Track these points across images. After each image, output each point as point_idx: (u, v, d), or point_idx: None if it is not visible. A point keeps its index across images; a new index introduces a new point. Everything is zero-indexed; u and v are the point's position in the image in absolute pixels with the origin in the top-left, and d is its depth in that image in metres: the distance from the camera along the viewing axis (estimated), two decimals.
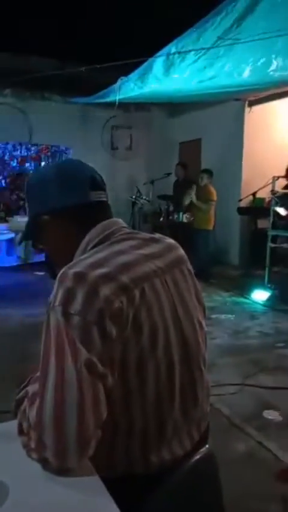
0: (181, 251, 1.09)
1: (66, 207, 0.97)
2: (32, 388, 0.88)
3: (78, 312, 0.78)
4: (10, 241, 6.28)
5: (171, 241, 1.08)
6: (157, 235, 1.07)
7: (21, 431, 0.87)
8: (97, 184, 1.01)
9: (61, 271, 0.84)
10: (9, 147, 7.71)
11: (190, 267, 1.09)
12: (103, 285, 0.81)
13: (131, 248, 0.93)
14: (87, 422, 0.77)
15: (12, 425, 0.91)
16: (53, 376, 0.78)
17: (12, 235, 6.26)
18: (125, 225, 1.03)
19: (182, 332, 0.96)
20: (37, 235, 1.06)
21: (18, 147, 7.75)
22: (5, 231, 6.15)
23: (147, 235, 1.04)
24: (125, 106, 7.48)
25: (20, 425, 0.88)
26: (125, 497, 0.78)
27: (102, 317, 0.79)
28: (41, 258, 6.49)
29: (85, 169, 1.02)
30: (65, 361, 0.77)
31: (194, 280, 1.08)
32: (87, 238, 0.96)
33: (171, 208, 6.48)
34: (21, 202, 7.05)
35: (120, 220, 1.02)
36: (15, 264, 6.47)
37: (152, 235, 1.05)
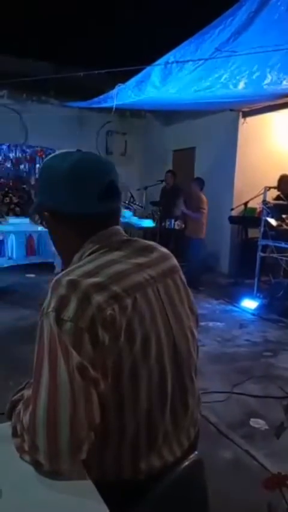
0: (174, 261, 1.10)
1: (68, 213, 0.96)
2: (28, 392, 0.89)
3: (70, 318, 0.80)
4: (1, 242, 6.24)
5: (165, 250, 1.10)
6: (152, 244, 1.08)
7: (15, 434, 0.88)
8: (110, 191, 0.96)
9: (55, 279, 0.86)
10: (4, 148, 7.70)
11: (183, 276, 1.11)
12: (95, 294, 0.83)
13: (124, 257, 0.95)
14: (80, 426, 0.79)
15: (6, 427, 0.92)
16: (46, 380, 0.80)
17: (3, 236, 6.23)
18: (123, 233, 1.03)
19: (173, 341, 0.98)
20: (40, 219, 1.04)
21: (13, 149, 7.75)
22: None
23: (142, 244, 1.05)
24: (121, 112, 7.54)
25: (14, 427, 0.89)
26: (114, 502, 0.79)
27: (94, 324, 0.81)
28: (32, 260, 6.50)
29: (101, 174, 0.96)
30: (58, 366, 0.79)
31: (186, 290, 1.10)
32: (85, 245, 0.96)
33: (160, 214, 6.54)
34: (12, 206, 7.01)
35: (119, 228, 1.02)
36: (6, 265, 6.43)
37: (147, 244, 1.06)
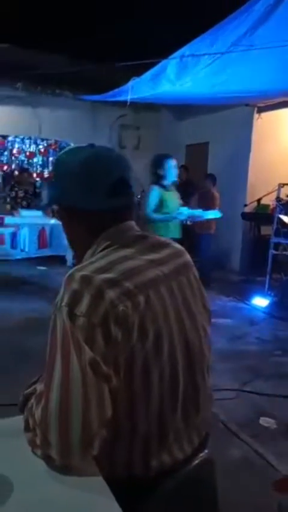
0: (187, 257, 1.09)
1: (78, 209, 0.96)
2: (40, 386, 0.89)
3: (83, 314, 0.80)
4: (14, 234, 6.28)
5: (178, 246, 1.09)
6: (165, 240, 1.08)
7: (27, 428, 0.89)
8: (122, 187, 0.96)
9: (68, 274, 0.86)
10: (18, 140, 7.73)
11: (196, 272, 1.10)
12: (108, 289, 0.83)
13: (137, 253, 0.94)
14: (92, 421, 0.79)
15: (18, 420, 0.92)
16: (59, 375, 0.80)
17: (16, 228, 6.28)
18: (136, 228, 1.03)
19: (186, 338, 0.97)
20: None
21: (27, 141, 7.78)
22: (10, 224, 6.16)
23: (155, 240, 1.04)
24: (134, 106, 7.49)
25: (27, 421, 0.89)
26: (124, 499, 0.79)
27: (107, 320, 0.81)
28: (44, 253, 6.54)
29: (113, 170, 0.96)
30: (70, 361, 0.79)
31: (200, 287, 1.09)
32: (97, 241, 0.96)
33: None
34: (18, 200, 7.03)
35: (133, 223, 1.02)
36: (19, 257, 6.49)
37: (160, 240, 1.06)
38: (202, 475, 1.04)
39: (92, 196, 0.94)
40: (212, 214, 4.85)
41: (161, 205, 3.81)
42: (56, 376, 0.80)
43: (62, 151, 1.04)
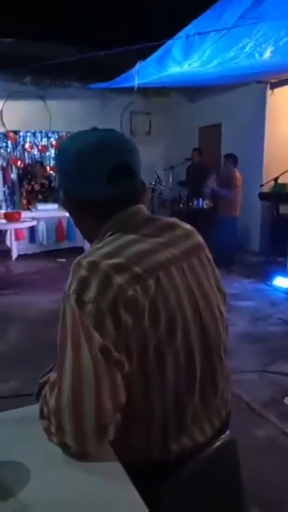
0: (199, 237, 1.06)
1: (80, 197, 0.94)
2: (54, 374, 0.89)
3: (91, 300, 0.79)
4: (33, 228, 6.35)
5: (188, 227, 1.06)
6: (175, 221, 1.04)
7: (42, 416, 0.89)
8: (119, 172, 0.91)
9: (75, 261, 0.85)
10: (30, 135, 7.76)
11: (209, 253, 1.07)
12: (116, 275, 0.81)
13: (146, 236, 0.92)
14: (105, 407, 0.79)
15: (35, 409, 0.93)
16: (70, 362, 0.80)
17: (34, 222, 6.34)
18: (145, 211, 0.99)
19: (201, 320, 0.95)
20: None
21: (39, 135, 7.79)
22: (28, 219, 6.23)
23: (165, 221, 1.02)
24: (144, 91, 7.40)
25: (41, 410, 0.90)
26: (144, 484, 0.79)
27: (116, 305, 0.80)
28: (62, 245, 6.59)
29: (108, 156, 0.90)
30: (81, 348, 0.79)
31: (213, 267, 1.06)
32: (104, 227, 0.94)
33: (187, 194, 6.43)
34: (35, 194, 7.07)
35: (141, 206, 0.98)
36: (38, 251, 6.57)
37: (170, 222, 1.03)
38: (224, 456, 1.03)
39: (91, 184, 0.91)
40: None
41: None
42: (67, 364, 0.80)
43: (65, 139, 1.03)
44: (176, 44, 4.11)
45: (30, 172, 7.33)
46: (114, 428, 0.81)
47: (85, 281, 0.81)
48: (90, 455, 0.81)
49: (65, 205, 1.00)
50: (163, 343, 0.86)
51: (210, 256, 1.07)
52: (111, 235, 0.92)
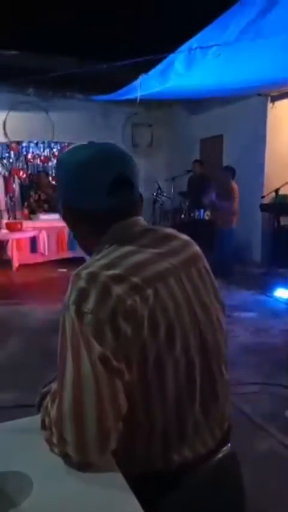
0: (196, 248, 1.07)
1: (80, 208, 0.95)
2: (55, 385, 0.89)
3: (91, 311, 0.80)
4: (34, 238, 6.36)
5: (186, 238, 1.07)
6: (173, 232, 1.05)
7: (44, 426, 0.89)
8: (119, 184, 0.93)
9: (74, 272, 0.86)
10: (33, 145, 7.82)
11: (207, 264, 1.07)
12: (115, 285, 0.82)
13: (144, 247, 0.93)
14: (106, 416, 0.79)
15: (35, 419, 0.93)
16: (70, 372, 0.80)
17: (35, 232, 6.36)
18: (143, 223, 1.00)
19: (200, 331, 0.96)
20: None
21: (41, 145, 7.86)
22: (30, 229, 6.25)
23: (163, 232, 1.03)
24: (146, 103, 7.47)
25: (43, 421, 0.89)
26: (145, 494, 0.79)
27: (115, 315, 0.80)
28: (64, 255, 6.60)
29: (108, 168, 0.93)
30: (81, 358, 0.79)
31: (211, 278, 1.07)
32: (103, 239, 0.95)
33: (188, 205, 6.46)
34: (40, 203, 7.10)
35: (139, 218, 1.00)
36: (39, 261, 6.58)
37: (168, 232, 1.04)
38: (226, 469, 1.03)
39: (91, 195, 0.93)
40: None
41: None
42: (68, 374, 0.80)
43: (63, 152, 1.04)
44: (178, 58, 4.17)
45: (35, 181, 7.38)
46: (116, 437, 0.81)
47: (84, 292, 0.82)
48: (92, 465, 0.81)
49: (64, 217, 1.01)
50: (163, 352, 0.87)
51: (208, 266, 1.08)
52: (109, 246, 0.93)
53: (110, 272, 0.84)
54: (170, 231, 1.06)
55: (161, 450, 0.91)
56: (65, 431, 0.80)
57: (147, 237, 0.97)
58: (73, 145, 1.02)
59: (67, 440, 0.80)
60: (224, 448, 1.02)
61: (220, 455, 1.00)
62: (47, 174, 7.56)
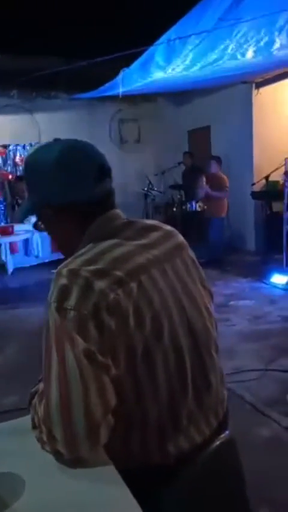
0: (180, 238, 1.06)
1: (68, 203, 0.92)
2: (42, 384, 0.89)
3: (73, 307, 0.79)
4: (27, 241, 6.34)
5: (169, 228, 1.06)
6: (155, 223, 1.05)
7: (34, 426, 0.89)
8: (104, 172, 0.94)
9: (57, 270, 0.86)
10: (19, 148, 7.77)
11: (192, 253, 1.07)
12: (97, 280, 0.81)
13: (126, 240, 0.92)
14: (94, 411, 0.78)
15: (27, 419, 0.92)
16: (56, 369, 0.80)
17: (28, 235, 6.33)
18: (123, 216, 1.00)
19: (188, 320, 0.95)
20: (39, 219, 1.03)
21: (28, 148, 7.80)
22: (22, 232, 6.20)
23: (145, 223, 1.02)
24: (131, 99, 7.43)
25: (33, 419, 0.89)
26: (143, 488, 0.78)
27: (98, 310, 0.79)
28: (57, 256, 6.58)
29: (91, 157, 0.94)
30: (65, 354, 0.79)
31: (196, 266, 1.06)
32: (86, 234, 0.94)
33: (183, 197, 6.45)
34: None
35: (118, 211, 0.99)
36: (34, 263, 6.55)
37: (150, 224, 1.03)
38: (224, 457, 1.02)
39: (80, 185, 0.92)
40: None
41: None
42: (53, 371, 0.80)
43: (28, 154, 1.01)
44: (158, 50, 4.14)
45: (14, 189, 7.33)
46: (106, 431, 0.80)
47: (66, 289, 0.81)
48: (83, 461, 0.81)
49: (44, 219, 0.99)
50: (151, 344, 0.86)
51: (193, 255, 1.07)
52: (92, 241, 0.92)
53: (92, 267, 0.83)
54: (153, 222, 1.05)
55: (157, 442, 0.90)
56: (53, 428, 0.80)
57: (129, 229, 0.96)
58: (35, 147, 1.01)
59: (56, 437, 0.80)
60: (222, 436, 1.02)
61: (218, 442, 0.99)
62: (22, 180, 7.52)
